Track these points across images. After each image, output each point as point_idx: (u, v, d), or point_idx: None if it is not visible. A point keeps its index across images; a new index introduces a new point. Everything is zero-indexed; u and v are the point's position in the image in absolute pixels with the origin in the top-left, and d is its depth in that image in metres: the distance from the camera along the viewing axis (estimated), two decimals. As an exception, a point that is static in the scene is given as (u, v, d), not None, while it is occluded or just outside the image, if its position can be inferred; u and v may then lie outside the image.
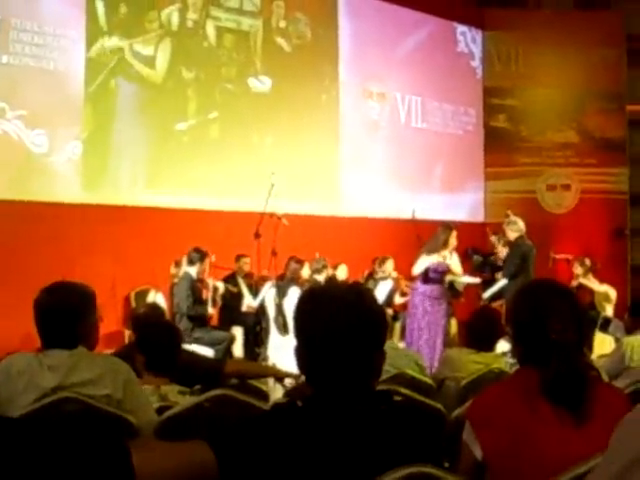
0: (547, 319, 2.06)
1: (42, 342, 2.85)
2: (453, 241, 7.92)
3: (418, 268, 7.87)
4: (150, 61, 9.59)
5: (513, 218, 8.94)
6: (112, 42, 9.24)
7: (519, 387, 2.05)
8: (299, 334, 1.77)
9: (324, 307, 1.73)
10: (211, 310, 8.52)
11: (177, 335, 3.62)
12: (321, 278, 8.69)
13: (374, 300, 1.82)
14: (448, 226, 8.06)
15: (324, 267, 8.91)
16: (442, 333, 7.93)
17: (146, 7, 9.60)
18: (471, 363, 4.40)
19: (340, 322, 1.70)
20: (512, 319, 2.21)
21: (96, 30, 9.14)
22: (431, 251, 7.83)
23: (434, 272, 7.88)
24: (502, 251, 9.54)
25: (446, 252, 7.85)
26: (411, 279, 8.54)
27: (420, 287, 7.95)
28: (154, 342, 3.41)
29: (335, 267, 9.48)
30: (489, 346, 4.58)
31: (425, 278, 7.88)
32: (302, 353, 1.76)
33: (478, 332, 4.54)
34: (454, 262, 8.00)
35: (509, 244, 8.91)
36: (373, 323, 1.75)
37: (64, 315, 2.82)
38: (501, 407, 2.02)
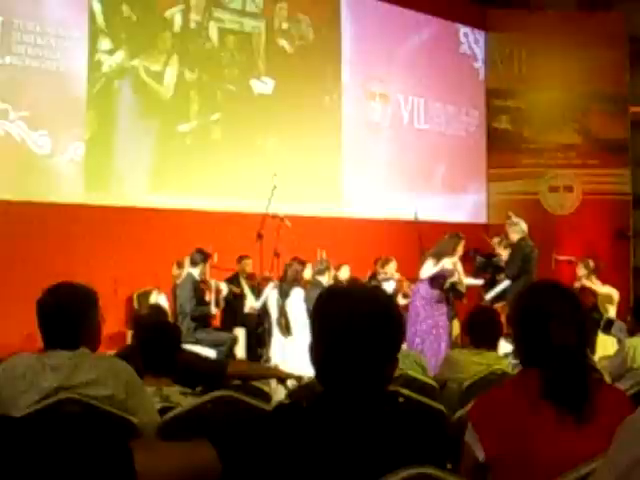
0: (549, 321, 2.05)
1: (44, 343, 2.85)
2: (460, 249, 7.96)
3: (425, 273, 7.87)
4: (159, 77, 9.60)
5: (515, 219, 8.92)
6: (119, 56, 9.25)
7: (521, 389, 2.04)
8: (315, 331, 1.77)
9: (344, 307, 1.73)
10: (214, 310, 8.53)
11: (177, 336, 3.61)
12: (324, 279, 8.68)
13: (394, 307, 1.82)
14: (457, 234, 8.10)
15: (327, 268, 8.89)
16: (446, 336, 7.93)
17: (148, 9, 9.60)
18: (473, 364, 4.39)
19: (357, 324, 1.70)
20: (514, 321, 2.21)
21: (98, 31, 9.15)
22: (439, 257, 7.85)
23: (441, 277, 7.90)
24: (503, 253, 9.53)
25: (454, 259, 7.89)
26: (414, 281, 8.53)
27: (421, 290, 7.95)
28: (154, 343, 3.41)
29: (337, 268, 9.47)
30: (491, 344, 4.57)
31: (431, 283, 7.90)
32: (316, 350, 1.76)
33: (478, 331, 4.53)
34: (460, 271, 8.05)
35: (511, 245, 8.90)
36: (390, 329, 1.75)
37: (67, 316, 2.82)
38: (503, 408, 2.02)
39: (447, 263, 7.85)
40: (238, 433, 1.63)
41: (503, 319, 4.85)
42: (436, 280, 7.89)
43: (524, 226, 8.65)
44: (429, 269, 7.85)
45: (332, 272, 9.12)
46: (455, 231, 8.34)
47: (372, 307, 1.73)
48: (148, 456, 1.43)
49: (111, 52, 9.22)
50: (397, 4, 11.82)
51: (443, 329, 7.92)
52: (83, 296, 2.92)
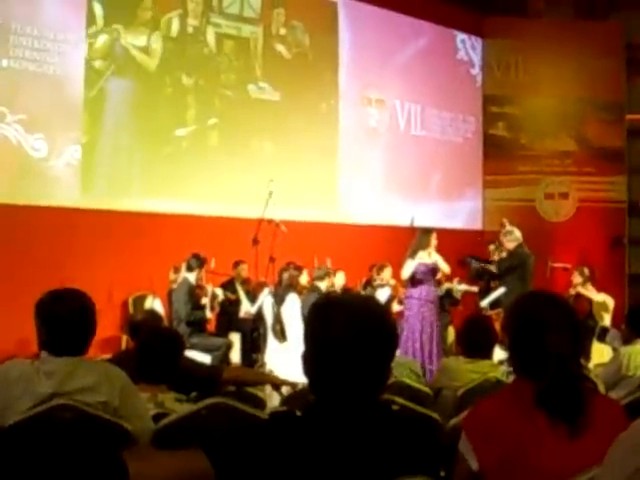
0: (544, 331, 2.05)
1: (41, 348, 2.84)
2: (434, 241, 7.99)
3: (406, 271, 7.92)
4: (144, 50, 9.58)
5: (509, 228, 8.93)
6: (107, 27, 9.25)
7: (515, 398, 2.04)
8: (309, 340, 1.77)
9: (338, 317, 1.72)
10: (209, 315, 8.52)
11: (180, 342, 3.60)
12: (323, 285, 8.67)
13: (388, 316, 1.81)
14: (427, 229, 8.17)
15: (327, 274, 8.88)
16: (436, 338, 7.93)
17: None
18: (467, 372, 4.38)
19: (350, 334, 1.69)
20: (509, 330, 2.20)
21: (96, 36, 9.15)
22: (414, 253, 7.90)
23: (422, 273, 7.92)
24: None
25: (430, 249, 7.92)
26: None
27: (414, 292, 7.97)
28: (156, 350, 3.39)
29: (333, 274, 9.46)
30: (485, 354, 4.57)
31: (413, 281, 7.93)
32: (309, 359, 1.75)
33: (472, 341, 4.53)
34: (439, 259, 8.02)
35: (509, 253, 8.90)
36: (384, 340, 1.74)
37: (66, 323, 2.81)
38: (497, 418, 2.02)
39: (424, 257, 7.88)
40: (231, 442, 1.63)
41: (498, 326, 4.85)
42: (418, 277, 7.91)
43: (518, 234, 8.66)
44: (409, 266, 7.89)
45: (332, 278, 9.11)
46: (425, 227, 8.42)
47: (365, 317, 1.73)
48: (142, 465, 1.43)
49: (103, 34, 9.19)
50: (394, 10, 11.84)
51: (434, 331, 7.91)
52: (90, 304, 2.92)
